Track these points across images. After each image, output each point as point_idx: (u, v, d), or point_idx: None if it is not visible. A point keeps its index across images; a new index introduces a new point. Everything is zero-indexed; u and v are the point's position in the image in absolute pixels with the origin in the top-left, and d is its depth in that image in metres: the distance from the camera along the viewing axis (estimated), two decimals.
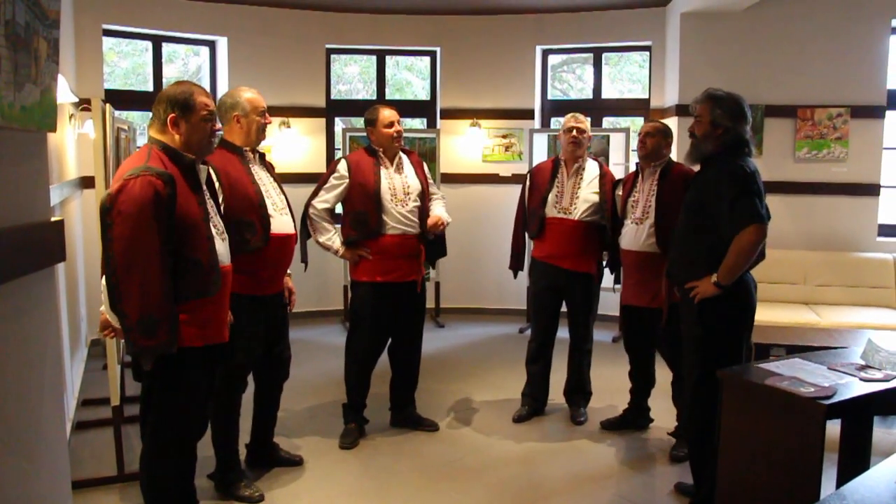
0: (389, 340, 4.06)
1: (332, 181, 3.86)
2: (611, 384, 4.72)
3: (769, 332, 4.29)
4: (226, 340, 2.73)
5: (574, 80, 10.11)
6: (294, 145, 6.83)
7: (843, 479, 2.97)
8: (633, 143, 6.30)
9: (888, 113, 5.88)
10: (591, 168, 4.20)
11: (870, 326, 4.82)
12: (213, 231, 2.62)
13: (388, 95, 7.57)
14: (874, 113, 5.85)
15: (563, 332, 4.34)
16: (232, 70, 6.55)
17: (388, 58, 7.41)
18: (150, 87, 6.47)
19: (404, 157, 3.98)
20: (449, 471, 3.67)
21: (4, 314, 1.50)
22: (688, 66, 6.01)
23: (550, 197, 4.16)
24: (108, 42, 6.38)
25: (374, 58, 7.35)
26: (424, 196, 3.95)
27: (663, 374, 4.06)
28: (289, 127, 6.73)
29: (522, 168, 6.73)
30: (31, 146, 1.72)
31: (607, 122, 7.18)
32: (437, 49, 7.13)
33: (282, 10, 6.67)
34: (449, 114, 7.10)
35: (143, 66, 7.93)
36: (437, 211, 3.98)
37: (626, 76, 9.93)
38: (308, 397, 4.68)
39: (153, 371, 2.48)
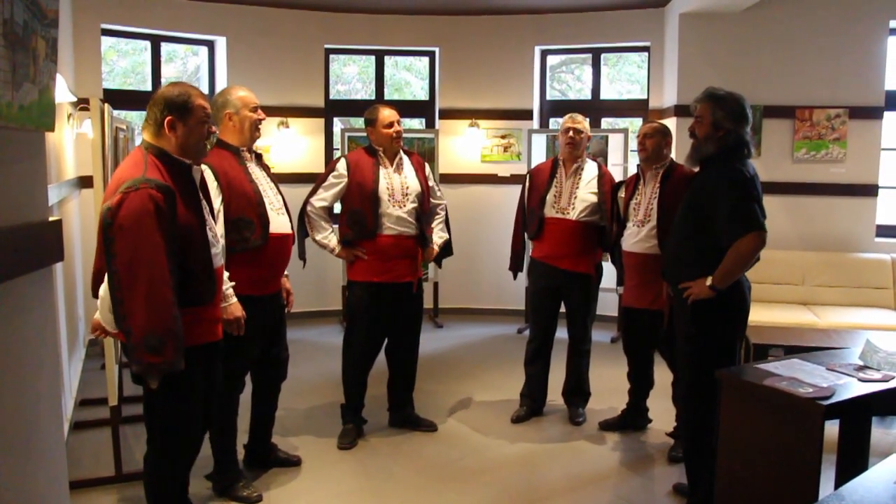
0: (387, 341, 4.06)
1: (330, 180, 3.86)
2: (609, 385, 4.72)
3: (767, 333, 4.30)
4: (219, 338, 2.74)
5: (573, 81, 10.10)
6: (293, 145, 6.83)
7: (841, 480, 2.98)
8: (632, 144, 6.31)
9: (886, 114, 5.89)
10: (590, 169, 4.20)
11: (868, 327, 4.82)
12: (209, 235, 2.62)
13: (387, 95, 7.56)
14: (872, 114, 5.85)
15: (561, 333, 4.34)
16: (231, 70, 6.55)
17: (386, 58, 7.41)
18: (148, 87, 6.47)
19: (405, 158, 3.98)
20: (447, 471, 3.67)
21: (2, 314, 1.50)
22: (686, 66, 6.01)
23: (549, 197, 4.16)
24: (106, 41, 6.37)
25: (372, 58, 7.35)
26: (424, 198, 3.95)
27: (662, 375, 4.06)
28: (287, 127, 6.73)
29: (521, 168, 6.74)
30: (30, 146, 1.71)
31: (606, 122, 7.18)
32: (436, 49, 7.13)
33: (281, 10, 6.67)
34: (448, 114, 7.10)
35: (142, 65, 7.91)
36: (434, 239, 4.03)
37: (624, 77, 9.93)
38: (306, 397, 4.68)
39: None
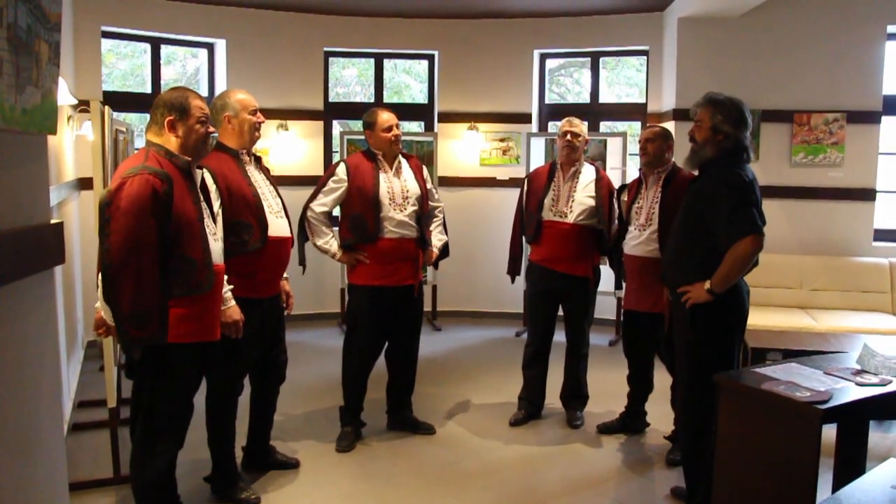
0: (386, 344, 4.06)
1: (330, 184, 3.86)
2: (608, 388, 4.72)
3: (765, 337, 4.31)
4: (217, 339, 2.81)
5: (571, 84, 10.13)
6: (292, 148, 6.83)
7: (838, 484, 2.98)
8: (631, 148, 6.33)
9: (884, 118, 5.91)
10: (588, 172, 4.21)
11: (866, 331, 4.84)
12: (207, 231, 2.72)
13: (386, 98, 7.57)
14: (870, 118, 5.87)
15: (559, 336, 4.35)
16: (230, 72, 6.56)
17: (386, 61, 7.42)
18: (148, 89, 6.48)
19: (403, 162, 3.98)
20: (445, 474, 3.67)
21: (3, 316, 1.50)
22: (685, 70, 6.03)
23: (547, 200, 4.17)
24: (106, 44, 6.38)
25: (372, 61, 7.37)
26: (424, 201, 3.96)
27: (661, 379, 4.07)
28: (287, 129, 6.74)
29: (520, 172, 6.75)
30: (32, 149, 1.72)
31: (604, 126, 7.20)
32: (435, 52, 7.14)
33: (280, 12, 6.67)
34: (446, 117, 7.11)
35: (142, 67, 7.92)
36: (433, 242, 4.04)
37: (623, 80, 9.96)
38: (305, 400, 4.68)
39: (145, 368, 2.59)
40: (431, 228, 4.07)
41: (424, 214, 3.97)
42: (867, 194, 5.93)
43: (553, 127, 7.09)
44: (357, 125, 6.91)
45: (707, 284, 2.99)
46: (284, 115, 6.73)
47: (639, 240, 3.84)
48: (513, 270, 4.46)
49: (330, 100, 7.20)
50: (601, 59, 7.15)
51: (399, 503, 3.38)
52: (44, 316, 1.79)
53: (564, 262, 4.13)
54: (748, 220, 2.92)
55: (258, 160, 3.43)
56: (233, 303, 2.98)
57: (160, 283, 2.49)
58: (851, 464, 2.99)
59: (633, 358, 4.06)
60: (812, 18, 5.88)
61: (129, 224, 2.41)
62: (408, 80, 9.99)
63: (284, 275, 3.48)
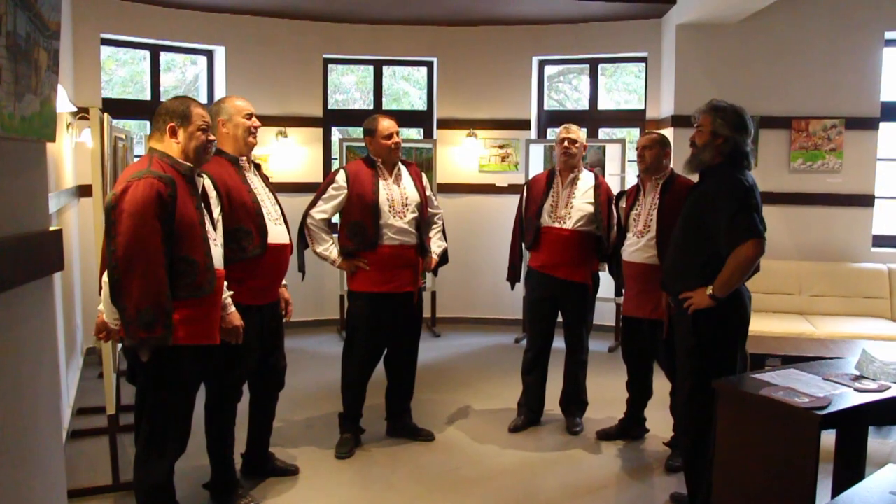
0: (386, 350, 4.06)
1: (330, 192, 3.86)
2: (607, 394, 4.72)
3: (764, 343, 4.30)
4: (216, 342, 2.84)
5: (570, 91, 10.14)
6: (291, 155, 6.84)
7: (838, 490, 2.98)
8: (629, 154, 6.34)
9: (882, 124, 5.92)
10: (587, 178, 4.21)
11: (864, 337, 4.83)
12: (209, 237, 2.77)
13: (385, 105, 7.58)
14: (868, 124, 5.89)
15: (559, 343, 4.35)
16: (229, 79, 6.58)
17: (385, 68, 7.44)
18: (147, 97, 6.49)
19: (403, 169, 3.99)
20: (445, 481, 3.67)
21: (2, 323, 1.50)
22: (683, 77, 6.04)
23: (546, 206, 4.18)
24: (106, 51, 6.39)
25: (371, 68, 7.38)
26: (423, 207, 3.96)
27: (660, 385, 4.06)
28: (286, 136, 6.75)
29: (519, 178, 6.76)
30: (31, 156, 1.72)
31: (603, 132, 7.21)
32: (434, 59, 7.16)
33: (279, 19, 6.69)
34: (445, 124, 7.12)
35: (141, 74, 7.93)
36: (433, 248, 4.03)
37: (622, 87, 9.97)
38: (304, 407, 4.67)
39: (147, 370, 2.62)
40: (431, 235, 4.07)
41: (424, 221, 3.97)
42: (866, 200, 5.94)
43: (552, 133, 7.10)
44: (356, 132, 6.94)
45: (709, 290, 3.00)
46: (283, 122, 6.74)
47: (637, 246, 3.85)
48: (512, 277, 4.46)
49: (329, 107, 7.21)
50: (600, 66, 7.17)
51: None
52: (43, 323, 1.79)
53: (563, 269, 4.13)
54: (749, 225, 2.92)
55: (258, 167, 3.44)
56: (233, 309, 2.99)
57: (166, 285, 2.55)
58: (850, 469, 2.99)
59: (633, 364, 4.06)
60: (810, 25, 5.90)
61: (134, 226, 2.47)
62: (407, 87, 10.01)
63: (283, 282, 3.48)
